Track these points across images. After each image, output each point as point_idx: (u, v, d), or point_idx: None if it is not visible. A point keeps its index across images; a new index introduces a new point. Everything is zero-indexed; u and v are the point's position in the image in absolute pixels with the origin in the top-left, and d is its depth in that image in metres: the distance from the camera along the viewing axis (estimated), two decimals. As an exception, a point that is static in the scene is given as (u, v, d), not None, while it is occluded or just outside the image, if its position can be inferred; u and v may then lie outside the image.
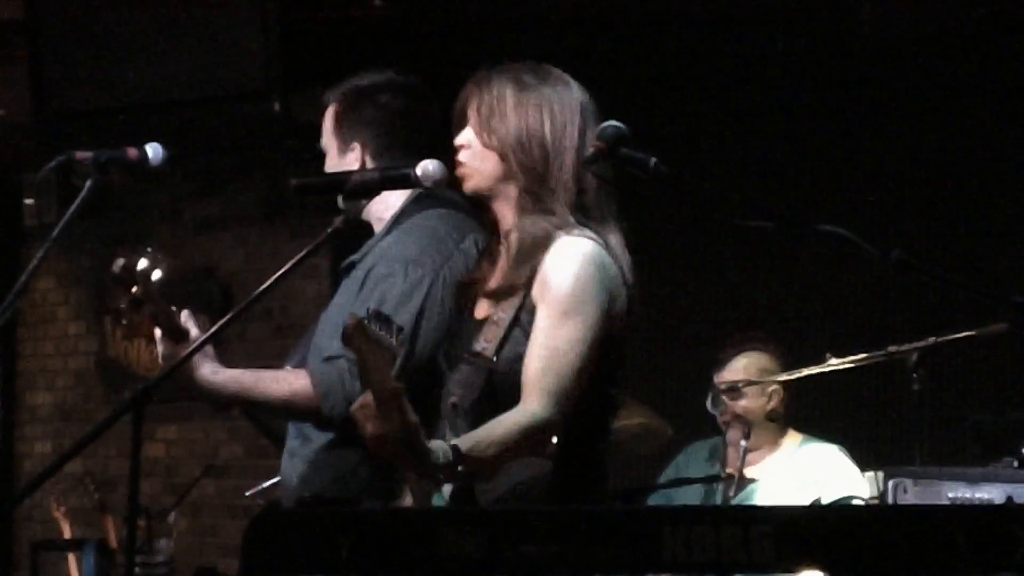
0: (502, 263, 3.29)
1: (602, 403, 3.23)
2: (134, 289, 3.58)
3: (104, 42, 7.10)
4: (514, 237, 3.24)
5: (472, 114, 3.28)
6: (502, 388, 3.13)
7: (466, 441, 2.99)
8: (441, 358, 3.33)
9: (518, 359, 3.13)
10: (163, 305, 3.59)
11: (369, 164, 3.76)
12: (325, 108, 3.90)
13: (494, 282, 3.28)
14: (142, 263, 3.56)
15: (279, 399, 3.65)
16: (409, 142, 3.79)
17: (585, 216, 3.22)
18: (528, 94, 3.25)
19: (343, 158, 3.82)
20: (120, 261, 3.59)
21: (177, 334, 3.62)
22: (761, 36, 6.32)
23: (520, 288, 3.19)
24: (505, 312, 3.20)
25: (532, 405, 3.07)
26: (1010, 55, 5.90)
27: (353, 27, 6.67)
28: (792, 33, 6.25)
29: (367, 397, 2.89)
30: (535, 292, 3.16)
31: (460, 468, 2.96)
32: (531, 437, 3.07)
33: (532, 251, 3.18)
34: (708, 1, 6.33)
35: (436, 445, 2.94)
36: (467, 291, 3.37)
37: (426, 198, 3.72)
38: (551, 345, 3.10)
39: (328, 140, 3.87)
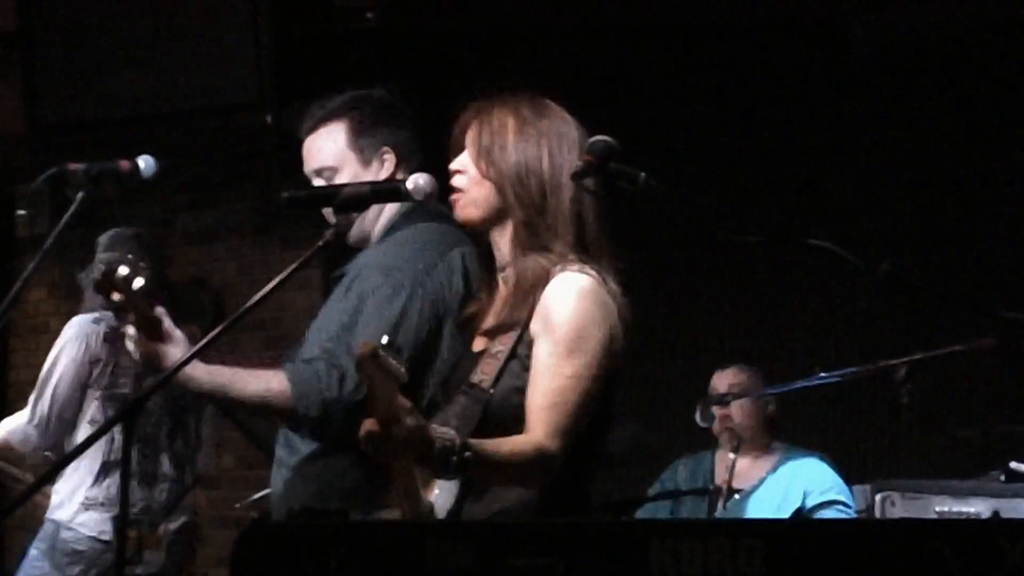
0: (500, 298, 3.28)
1: (594, 437, 3.21)
2: (115, 296, 3.57)
3: (97, 54, 7.10)
4: (511, 273, 3.23)
5: (471, 143, 3.26)
6: (498, 420, 3.11)
7: (474, 442, 2.96)
8: (438, 390, 3.33)
9: (515, 392, 3.13)
10: (145, 310, 3.57)
11: (400, 170, 3.72)
12: (314, 129, 3.86)
13: (492, 319, 3.27)
14: (123, 270, 3.56)
15: (255, 397, 3.61)
16: (421, 149, 3.81)
17: (584, 253, 3.20)
18: (528, 128, 3.23)
19: (367, 169, 3.80)
20: (101, 268, 3.58)
21: (160, 339, 3.60)
22: (752, 49, 6.33)
23: (519, 324, 3.17)
24: (502, 345, 3.19)
25: (538, 438, 3.05)
26: (1001, 69, 5.92)
27: (345, 40, 6.67)
28: (784, 47, 6.26)
29: (372, 423, 2.87)
30: (535, 326, 3.14)
31: (464, 458, 2.92)
32: (533, 466, 3.05)
33: (531, 289, 3.17)
34: (698, 13, 6.33)
35: (443, 431, 2.93)
36: (466, 325, 3.36)
37: (415, 211, 3.72)
38: (557, 381, 3.09)
39: (341, 155, 3.82)
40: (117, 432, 5.41)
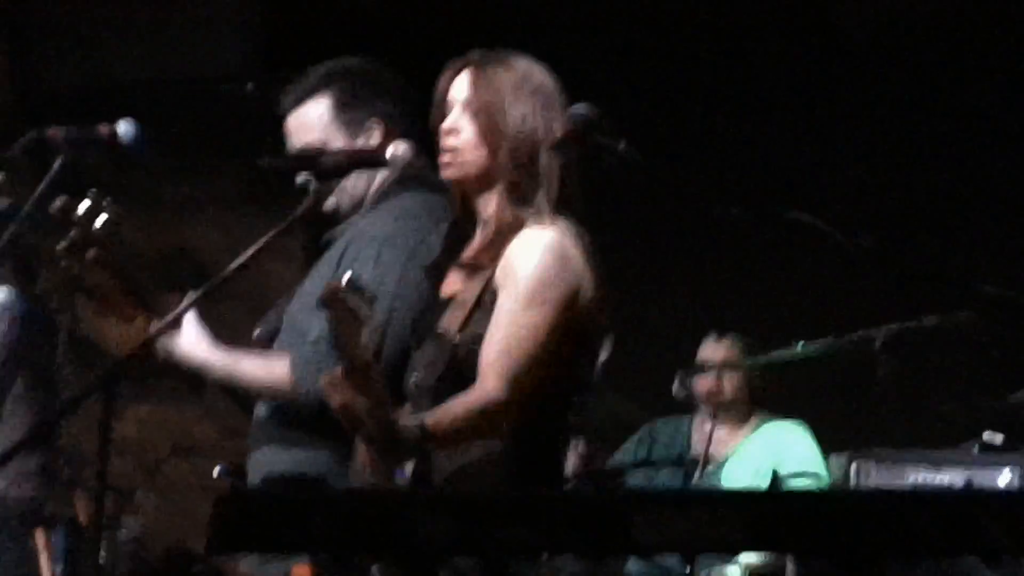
0: (474, 247, 3.28)
1: (561, 391, 3.22)
2: (76, 231, 3.53)
3: (84, 22, 7.08)
4: (494, 224, 3.23)
5: (470, 101, 3.24)
6: (464, 368, 3.13)
7: (429, 419, 3.02)
8: (401, 343, 3.33)
9: (479, 339, 3.14)
10: (111, 253, 3.54)
11: (389, 140, 3.67)
12: (297, 105, 3.82)
13: (466, 258, 3.28)
14: (84, 204, 3.51)
15: (263, 384, 3.65)
16: (412, 114, 3.77)
17: (562, 209, 3.20)
18: (523, 87, 3.23)
19: (355, 142, 3.74)
20: (61, 199, 3.53)
21: (127, 283, 3.58)
22: (738, 23, 6.31)
23: (486, 269, 3.19)
24: (469, 293, 3.20)
25: (488, 386, 3.08)
26: (983, 48, 5.91)
27: (333, 7, 6.65)
28: (768, 21, 6.24)
29: (338, 369, 2.93)
30: (498, 276, 3.16)
31: (425, 446, 2.97)
32: (487, 417, 3.09)
33: (504, 236, 3.18)
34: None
35: (404, 423, 2.97)
36: (436, 271, 3.36)
37: (409, 180, 3.69)
38: (511, 331, 3.11)
39: (327, 129, 3.76)
40: None
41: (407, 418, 3.02)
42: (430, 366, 3.16)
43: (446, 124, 3.26)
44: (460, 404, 3.07)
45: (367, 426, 2.99)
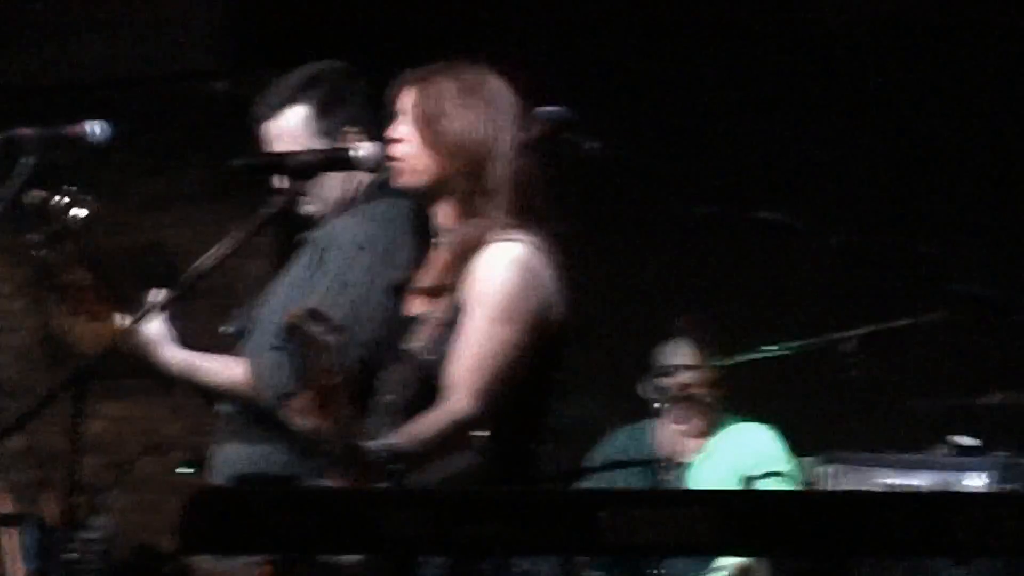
0: (436, 262, 3.29)
1: (534, 403, 3.24)
2: (52, 224, 3.54)
3: (52, 20, 7.06)
4: (449, 238, 3.25)
5: (414, 111, 3.27)
6: (434, 384, 3.14)
7: (398, 439, 3.02)
8: (372, 353, 3.34)
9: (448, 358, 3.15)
10: (85, 247, 3.55)
11: (363, 144, 3.68)
12: (273, 114, 3.82)
13: (427, 280, 3.29)
14: (59, 199, 3.51)
15: (223, 385, 3.69)
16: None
17: (522, 220, 3.21)
18: (470, 96, 3.25)
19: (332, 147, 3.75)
20: (36, 193, 3.53)
21: (99, 279, 3.59)
22: (716, 24, 6.31)
23: (453, 289, 3.20)
24: (439, 311, 3.21)
25: (459, 403, 3.10)
26: (958, 47, 5.92)
27: (300, 9, 6.64)
28: (745, 18, 6.24)
29: (304, 395, 2.95)
30: (464, 294, 3.17)
31: (396, 466, 2.98)
32: (457, 433, 3.09)
33: (466, 254, 3.19)
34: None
35: (372, 446, 2.97)
36: (399, 288, 3.39)
37: (384, 185, 3.69)
38: (481, 347, 3.12)
39: (305, 136, 3.76)
40: None
41: (374, 443, 3.01)
42: (401, 386, 3.18)
43: (391, 133, 3.29)
44: (430, 421, 3.08)
45: (335, 450, 2.99)
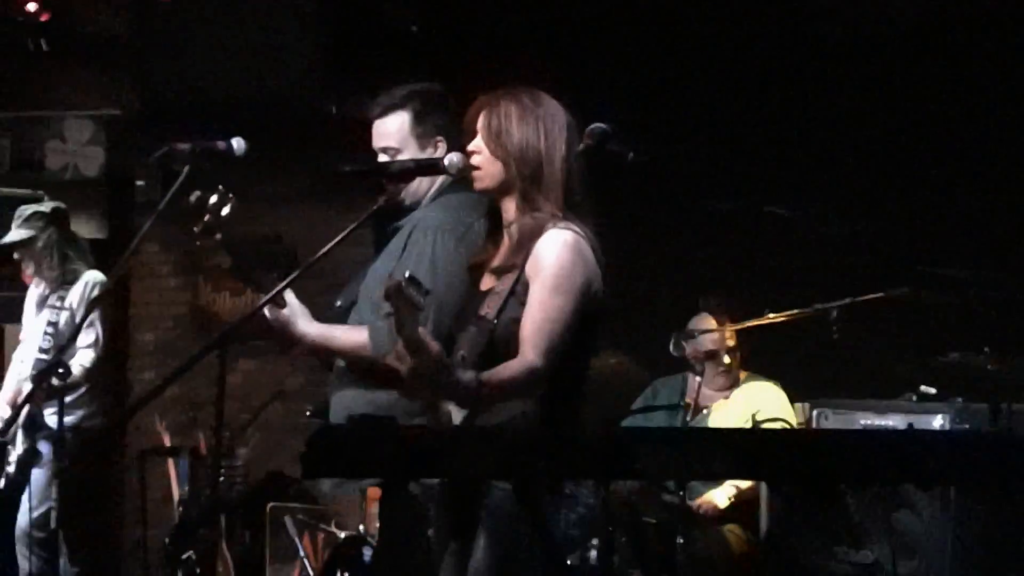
0: (503, 247, 3.29)
1: (579, 362, 3.23)
2: (206, 218, 3.57)
3: (195, 53, 7.09)
4: (514, 228, 3.25)
5: (483, 128, 3.27)
6: (500, 344, 3.15)
7: (483, 375, 3.02)
8: (452, 321, 3.34)
9: (513, 322, 3.15)
10: (231, 232, 3.57)
11: (450, 154, 3.69)
12: (383, 114, 3.81)
13: (498, 261, 3.29)
14: (213, 198, 3.54)
15: (349, 349, 3.69)
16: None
17: (572, 211, 3.22)
18: (528, 114, 3.24)
19: (423, 152, 3.77)
20: (196, 193, 3.56)
21: (239, 262, 3.62)
22: (729, 40, 6.22)
23: (517, 267, 3.20)
24: (504, 285, 3.21)
25: (529, 357, 3.09)
26: (938, 53, 5.80)
27: (391, 45, 6.65)
28: (755, 33, 6.15)
29: (400, 345, 2.94)
30: (528, 271, 3.17)
31: (478, 393, 2.99)
32: (527, 381, 3.09)
33: (528, 239, 3.19)
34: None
35: (461, 373, 2.98)
36: (475, 270, 3.37)
37: (456, 183, 3.70)
38: (543, 314, 3.12)
39: (404, 139, 3.78)
40: None
41: (462, 372, 3.03)
42: (473, 344, 3.16)
43: (469, 147, 3.29)
44: (507, 368, 3.08)
45: (432, 382, 2.99)
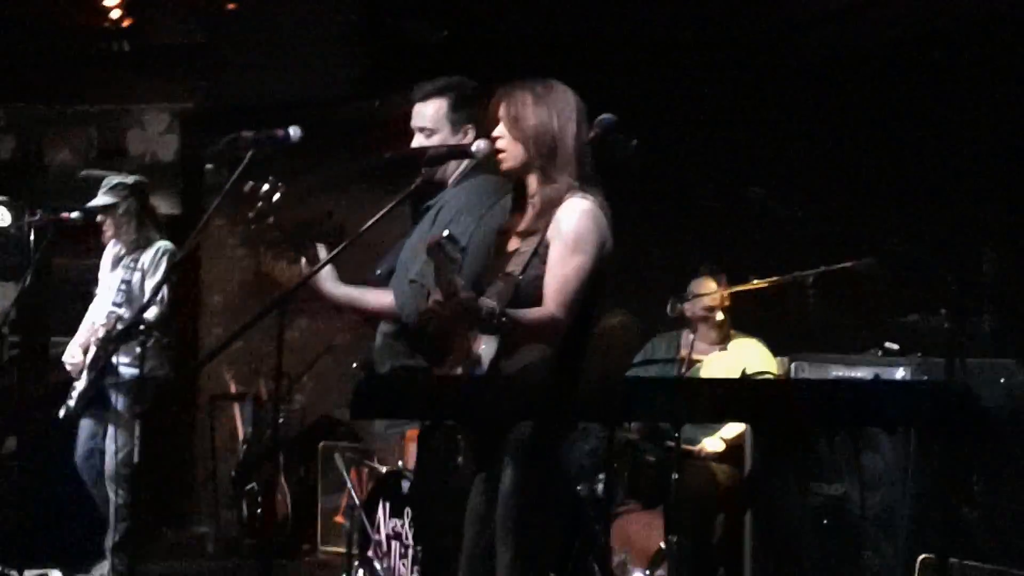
0: (527, 215, 3.30)
1: (589, 314, 3.24)
2: (259, 204, 3.58)
3: (257, 55, 7.11)
4: (536, 198, 3.26)
5: (503, 115, 3.29)
6: (524, 297, 3.16)
7: (509, 310, 3.04)
8: (483, 277, 3.34)
9: (536, 278, 3.17)
10: (282, 218, 3.59)
11: (478, 140, 3.66)
12: (424, 98, 3.79)
13: (522, 226, 3.30)
14: (264, 185, 3.56)
15: (374, 310, 3.69)
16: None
17: (584, 184, 3.23)
18: (541, 102, 3.25)
19: (454, 136, 3.75)
20: (250, 183, 3.58)
21: (292, 238, 3.63)
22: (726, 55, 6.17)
23: (540, 230, 3.21)
24: (528, 246, 3.23)
25: (551, 308, 3.11)
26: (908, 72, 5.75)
27: (423, 50, 6.65)
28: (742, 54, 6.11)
29: (438, 294, 2.98)
30: (550, 234, 3.19)
31: (501, 321, 3.00)
32: (549, 328, 3.11)
33: (549, 207, 3.21)
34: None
35: (486, 304, 3.00)
36: (503, 235, 3.38)
37: (480, 166, 3.69)
38: (564, 271, 3.14)
39: (439, 121, 3.75)
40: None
41: (488, 303, 3.03)
42: (501, 297, 3.17)
43: (494, 133, 3.31)
44: (531, 312, 3.10)
45: (463, 316, 3.01)
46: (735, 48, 6.18)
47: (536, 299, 3.14)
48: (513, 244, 3.30)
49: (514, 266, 3.22)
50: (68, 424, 5.75)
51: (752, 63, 6.13)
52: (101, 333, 5.61)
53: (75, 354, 5.80)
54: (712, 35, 6.19)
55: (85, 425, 5.77)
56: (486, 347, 3.16)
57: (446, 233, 2.95)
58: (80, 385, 5.71)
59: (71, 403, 5.72)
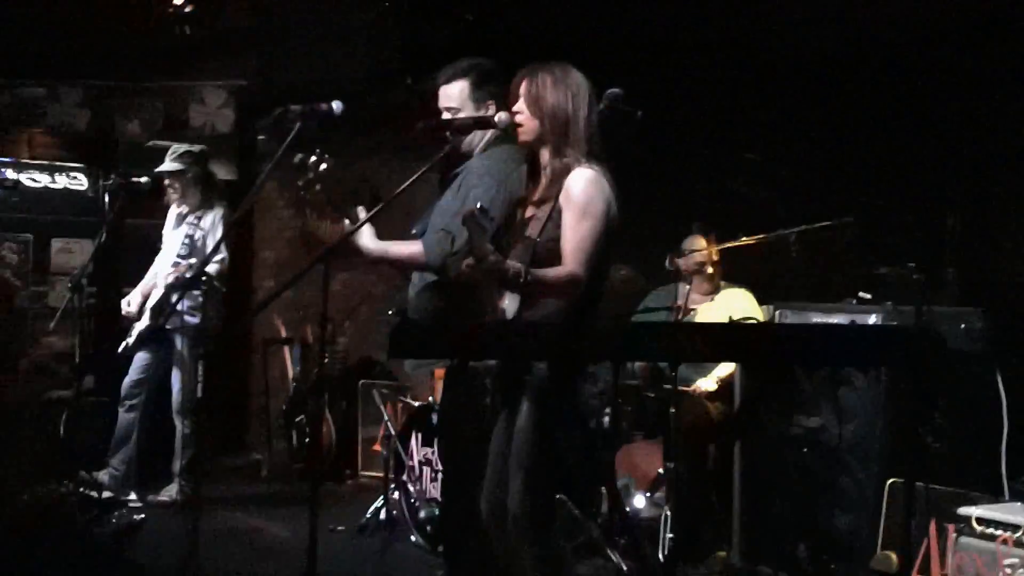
0: (541, 184, 3.30)
1: (602, 270, 3.24)
2: (309, 175, 3.56)
3: (303, 38, 7.08)
4: (549, 169, 3.26)
5: (524, 93, 3.27)
6: (540, 259, 3.16)
7: (532, 269, 3.07)
8: (503, 241, 3.34)
9: (551, 241, 3.17)
10: (327, 185, 3.57)
11: (500, 112, 3.59)
12: (448, 81, 3.75)
13: (537, 194, 3.30)
14: (313, 158, 3.55)
15: (405, 257, 3.66)
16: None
17: (592, 156, 3.22)
18: (558, 83, 3.24)
19: (478, 112, 3.71)
20: (299, 155, 3.56)
21: (334, 203, 3.62)
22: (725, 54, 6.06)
23: (553, 198, 3.21)
24: (543, 212, 3.22)
25: (570, 267, 3.13)
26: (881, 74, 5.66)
27: (452, 34, 6.59)
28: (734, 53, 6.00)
29: (471, 259, 3.01)
30: (561, 200, 3.18)
31: (526, 280, 3.03)
32: (569, 284, 3.12)
33: (560, 176, 3.21)
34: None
35: (514, 263, 3.04)
36: (520, 202, 3.38)
37: (500, 138, 3.66)
38: (578, 234, 3.14)
39: (463, 100, 3.72)
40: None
41: (513, 263, 3.06)
42: (521, 258, 3.17)
43: (514, 108, 3.29)
44: (553, 271, 3.11)
45: (494, 276, 3.04)
46: (725, 21, 6.06)
47: (551, 258, 3.14)
48: (530, 211, 3.30)
49: (531, 230, 3.22)
50: (125, 359, 5.82)
51: (745, 44, 6.03)
52: (171, 279, 5.65)
53: (133, 300, 5.87)
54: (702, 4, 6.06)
55: (139, 358, 5.83)
56: (509, 302, 3.17)
57: (480, 205, 2.97)
58: (140, 325, 5.78)
59: (130, 340, 5.79)
